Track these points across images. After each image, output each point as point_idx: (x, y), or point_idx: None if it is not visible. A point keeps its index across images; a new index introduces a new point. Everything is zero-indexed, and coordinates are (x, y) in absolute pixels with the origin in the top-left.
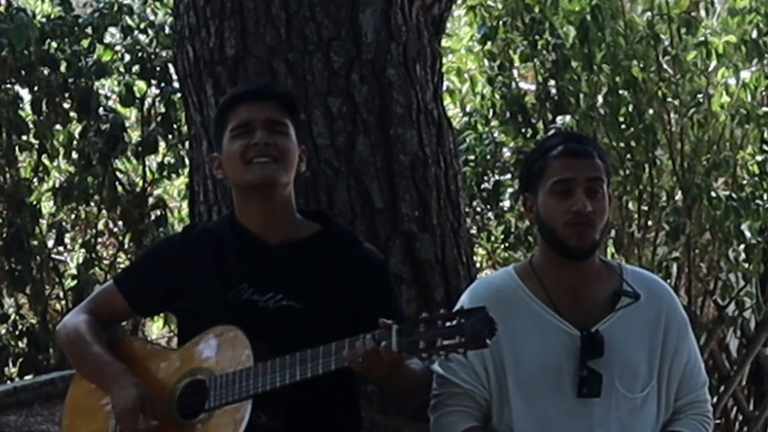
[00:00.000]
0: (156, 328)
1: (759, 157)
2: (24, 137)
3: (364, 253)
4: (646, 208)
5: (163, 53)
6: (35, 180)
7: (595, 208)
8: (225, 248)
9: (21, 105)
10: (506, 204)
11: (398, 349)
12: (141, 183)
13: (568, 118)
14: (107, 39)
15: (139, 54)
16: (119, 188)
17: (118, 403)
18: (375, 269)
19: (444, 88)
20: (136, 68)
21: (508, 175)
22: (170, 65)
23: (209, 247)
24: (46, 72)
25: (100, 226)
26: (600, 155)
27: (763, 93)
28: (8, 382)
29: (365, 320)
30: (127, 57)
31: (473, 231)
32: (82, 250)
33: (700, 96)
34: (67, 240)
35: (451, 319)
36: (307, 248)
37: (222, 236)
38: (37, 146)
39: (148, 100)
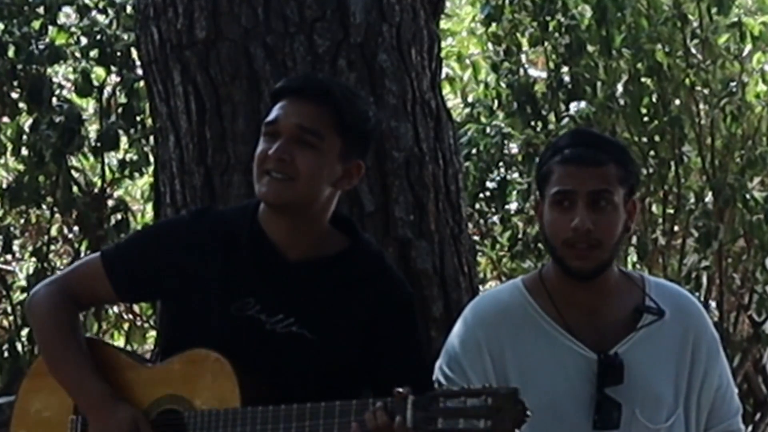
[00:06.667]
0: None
1: None
2: None
3: (391, 284)
4: (672, 211)
5: (125, 36)
6: None
7: (600, 223)
8: (238, 249)
9: None
10: (513, 206)
11: (414, 425)
12: (100, 183)
13: (582, 103)
14: (61, 20)
15: (98, 37)
16: (75, 189)
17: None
18: (401, 307)
19: (443, 75)
20: (94, 53)
21: (516, 173)
22: (133, 49)
23: (220, 243)
24: None
25: (53, 231)
26: (617, 159)
27: None
28: None
29: (380, 364)
30: (84, 40)
31: (476, 237)
32: (33, 259)
33: (733, 84)
34: (15, 247)
35: (476, 396)
36: (329, 270)
37: (237, 234)
38: None
39: (108, 89)
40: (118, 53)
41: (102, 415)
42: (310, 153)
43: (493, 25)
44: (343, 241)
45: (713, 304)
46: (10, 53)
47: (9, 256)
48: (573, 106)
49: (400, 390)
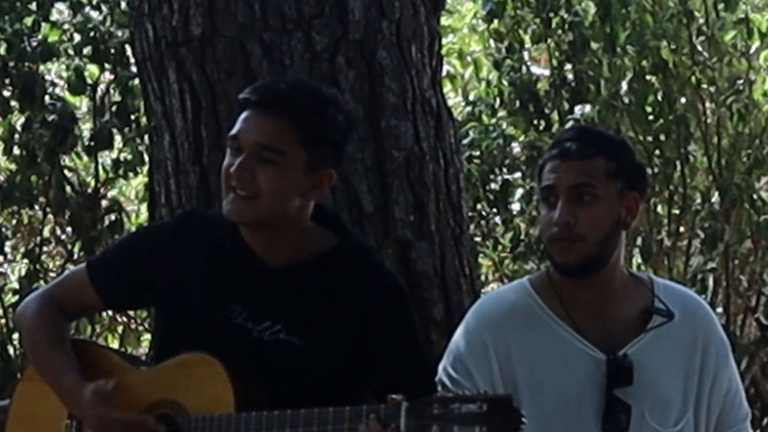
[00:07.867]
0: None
1: None
2: None
3: (381, 282)
4: (677, 211)
5: (119, 33)
6: None
7: (582, 217)
8: (221, 256)
9: None
10: (516, 207)
11: None
12: (93, 183)
13: (587, 107)
14: (54, 16)
15: (91, 34)
16: (68, 189)
17: (87, 419)
18: (393, 305)
19: (444, 73)
20: (87, 50)
21: (518, 174)
22: (127, 47)
23: (205, 248)
24: None
25: (46, 232)
26: (606, 152)
27: None
28: None
29: (377, 366)
30: (77, 37)
31: (477, 238)
32: (25, 261)
33: (739, 82)
34: (7, 248)
35: (471, 402)
36: (315, 273)
37: (220, 240)
38: None
39: (102, 87)
40: (112, 50)
41: (75, 403)
42: (272, 170)
43: (495, 21)
44: (330, 239)
45: (720, 306)
46: (2, 50)
47: (1, 258)
48: (578, 110)
49: (394, 396)
